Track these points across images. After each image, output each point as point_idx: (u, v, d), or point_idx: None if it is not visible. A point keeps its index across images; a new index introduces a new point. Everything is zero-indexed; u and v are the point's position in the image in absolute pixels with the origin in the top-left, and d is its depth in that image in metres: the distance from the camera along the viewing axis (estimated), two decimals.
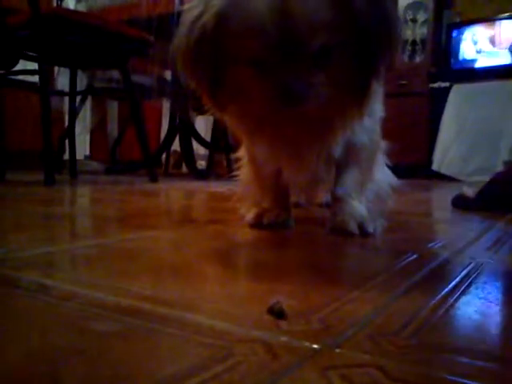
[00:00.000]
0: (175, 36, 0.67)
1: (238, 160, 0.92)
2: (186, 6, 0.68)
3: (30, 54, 1.89)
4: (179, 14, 2.38)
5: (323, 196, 1.08)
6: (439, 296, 0.43)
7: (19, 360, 0.29)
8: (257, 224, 0.83)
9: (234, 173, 0.93)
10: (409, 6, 3.75)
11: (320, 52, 0.60)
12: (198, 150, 3.16)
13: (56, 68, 2.76)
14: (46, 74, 1.81)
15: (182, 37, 0.64)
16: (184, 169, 3.21)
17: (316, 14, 0.58)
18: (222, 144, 3.06)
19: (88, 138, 3.63)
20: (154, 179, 2.13)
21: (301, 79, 0.60)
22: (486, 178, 1.62)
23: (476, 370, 0.29)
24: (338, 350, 0.31)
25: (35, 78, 1.90)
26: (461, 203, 1.25)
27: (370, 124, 0.77)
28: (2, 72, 1.92)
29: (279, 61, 0.59)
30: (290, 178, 0.80)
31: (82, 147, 3.43)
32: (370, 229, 0.76)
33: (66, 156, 2.45)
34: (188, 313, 0.37)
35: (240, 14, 0.59)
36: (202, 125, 3.33)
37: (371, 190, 0.83)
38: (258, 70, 0.61)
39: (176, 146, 3.09)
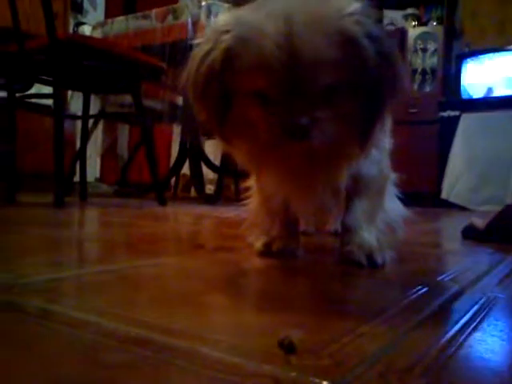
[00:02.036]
0: (185, 70, 0.68)
1: (247, 189, 0.92)
2: (196, 41, 0.70)
3: (45, 78, 1.93)
4: (192, 41, 2.40)
5: (332, 224, 1.08)
6: (450, 333, 0.43)
7: None
8: (265, 252, 0.82)
9: (244, 201, 0.93)
10: (419, 36, 3.80)
11: (326, 89, 0.61)
12: (208, 174, 3.18)
13: (69, 92, 2.80)
14: (60, 98, 1.84)
15: (192, 71, 0.66)
16: (193, 193, 3.22)
17: (323, 54, 0.59)
18: (230, 169, 3.07)
19: (99, 160, 3.66)
20: (162, 203, 2.14)
21: (305, 114, 0.60)
22: (496, 208, 1.61)
23: None
24: None
25: (49, 101, 1.94)
26: (471, 234, 1.24)
27: (377, 156, 0.78)
28: (17, 94, 1.95)
29: (285, 97, 0.60)
30: (297, 208, 0.80)
31: (93, 170, 3.46)
32: (379, 260, 0.76)
33: (77, 178, 2.47)
34: (197, 344, 0.37)
35: (248, 51, 0.60)
36: (212, 149, 3.35)
37: (381, 220, 0.83)
38: (265, 105, 0.62)
39: (185, 169, 3.11)
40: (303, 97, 0.60)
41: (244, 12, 0.63)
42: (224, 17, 0.65)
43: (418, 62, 3.80)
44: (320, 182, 0.72)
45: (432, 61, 3.79)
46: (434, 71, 3.78)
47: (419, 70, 3.80)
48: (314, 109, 0.60)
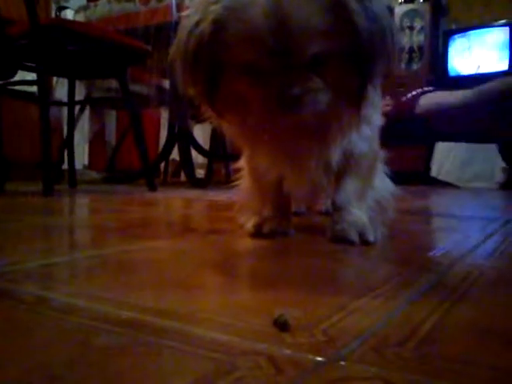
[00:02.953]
0: (173, 43, 0.67)
1: (238, 170, 0.92)
2: (183, 13, 0.69)
3: (29, 64, 1.89)
4: (176, 23, 2.38)
5: (323, 204, 1.08)
6: (443, 306, 0.43)
7: (20, 375, 0.29)
8: (257, 233, 0.82)
9: (234, 182, 0.93)
10: (405, 14, 3.78)
11: (316, 59, 0.60)
12: (197, 158, 3.17)
13: (54, 78, 2.76)
14: (45, 85, 1.81)
15: (180, 44, 0.65)
16: (183, 177, 3.21)
17: (312, 22, 0.58)
18: (220, 152, 3.06)
19: (87, 147, 3.63)
20: (152, 188, 2.13)
21: (297, 85, 0.60)
22: (485, 185, 1.63)
23: (482, 381, 0.29)
24: (342, 363, 0.31)
25: (33, 89, 1.90)
26: None
27: (368, 132, 0.77)
28: (0, 82, 1.92)
29: (275, 68, 0.60)
30: (290, 186, 0.80)
31: (81, 157, 3.43)
32: (371, 237, 0.76)
33: (65, 166, 2.44)
34: (190, 325, 0.37)
35: (236, 21, 0.59)
36: (200, 133, 3.34)
37: (371, 198, 0.83)
38: (255, 77, 0.62)
39: (175, 154, 3.09)
40: (294, 67, 0.59)
41: None
42: None
43: (405, 40, 3.78)
44: (313, 155, 0.72)
45: (419, 38, 3.77)
46: (421, 49, 3.77)
47: (406, 49, 3.79)
48: (306, 79, 0.60)
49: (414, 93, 1.15)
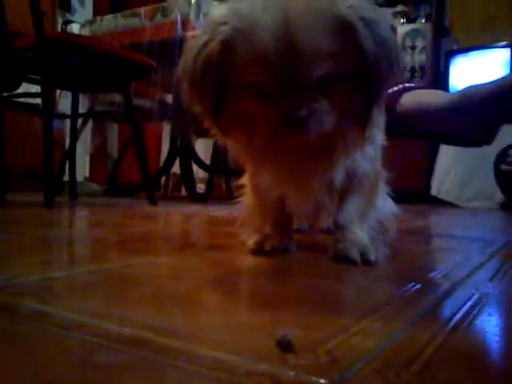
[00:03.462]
0: (181, 61, 0.68)
1: (240, 186, 0.92)
2: (190, 33, 0.69)
3: (33, 76, 1.91)
4: (181, 39, 2.40)
5: (324, 221, 1.08)
6: (445, 329, 0.43)
7: None
8: (258, 250, 0.82)
9: (237, 199, 0.93)
10: (407, 34, 3.81)
11: (323, 80, 0.61)
12: (198, 173, 3.17)
13: (58, 91, 2.78)
14: (49, 97, 1.82)
15: (188, 63, 0.65)
16: (183, 192, 3.21)
17: (319, 44, 0.59)
18: (221, 167, 3.07)
19: (88, 159, 3.64)
20: (153, 202, 2.13)
21: (303, 106, 0.60)
22: (485, 204, 1.63)
23: None
24: None
25: (37, 101, 1.92)
26: None
27: (371, 152, 0.78)
28: (5, 94, 1.93)
29: (282, 89, 0.60)
30: (293, 204, 0.80)
31: (82, 169, 3.44)
32: (372, 257, 0.76)
33: (66, 177, 2.45)
34: (192, 344, 0.37)
35: (245, 42, 0.60)
36: (202, 148, 3.35)
37: (373, 217, 0.83)
38: (262, 97, 0.62)
39: (175, 168, 3.10)
40: (301, 88, 0.60)
41: (241, 4, 0.63)
42: (221, 9, 0.64)
43: (406, 59, 3.81)
44: (317, 175, 0.72)
45: (421, 58, 3.80)
46: (422, 68, 3.80)
47: (408, 68, 3.81)
48: (312, 100, 0.61)
49: (395, 88, 1.15)
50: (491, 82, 1.13)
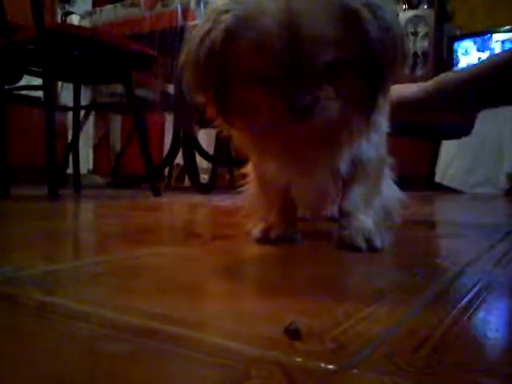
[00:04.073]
0: (183, 51, 0.67)
1: (244, 175, 0.91)
2: (191, 23, 0.69)
3: (35, 69, 1.90)
4: (182, 29, 2.39)
5: (329, 209, 1.07)
6: (453, 313, 0.43)
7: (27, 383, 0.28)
8: (263, 239, 0.82)
9: (240, 188, 0.93)
10: (409, 20, 3.78)
11: (327, 67, 0.60)
12: (201, 163, 3.17)
13: (59, 83, 2.77)
14: (50, 90, 1.82)
15: (190, 52, 0.65)
16: (187, 182, 3.21)
17: (323, 30, 0.58)
18: (224, 157, 3.06)
19: (91, 152, 3.64)
20: (157, 193, 2.13)
21: (307, 94, 0.60)
22: (489, 191, 1.62)
23: None
24: (354, 371, 0.30)
25: (39, 93, 1.91)
26: None
27: (376, 138, 0.77)
28: (6, 87, 1.92)
29: (286, 77, 0.60)
30: (297, 193, 0.80)
31: (85, 161, 3.44)
32: (378, 244, 0.76)
33: (70, 170, 2.45)
34: (199, 332, 0.37)
35: (248, 30, 0.59)
36: (205, 138, 3.34)
37: (379, 204, 0.83)
38: (266, 85, 0.62)
39: (179, 159, 3.09)
40: (305, 76, 0.59)
41: None
42: None
43: (409, 45, 3.78)
44: (321, 164, 0.72)
45: (423, 44, 3.78)
46: (425, 55, 3.77)
47: (410, 54, 3.79)
48: (317, 88, 0.60)
49: None
50: (464, 69, 1.12)
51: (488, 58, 1.06)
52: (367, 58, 0.61)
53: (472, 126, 1.21)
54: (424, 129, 1.19)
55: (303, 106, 0.60)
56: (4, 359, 0.32)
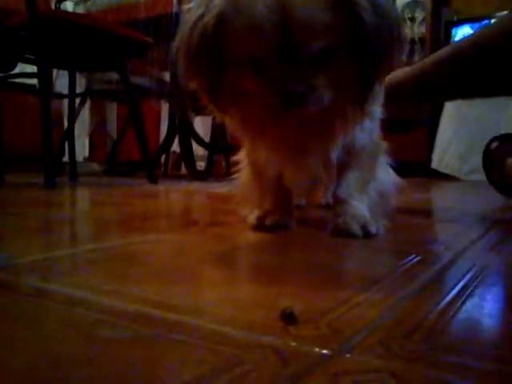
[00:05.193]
0: (176, 36, 0.67)
1: (237, 162, 0.91)
2: (186, 7, 0.68)
3: (29, 56, 1.89)
4: (177, 15, 2.37)
5: (323, 197, 1.08)
6: (447, 299, 0.43)
7: (24, 369, 0.29)
8: (259, 226, 0.82)
9: (234, 175, 0.93)
10: (406, 5, 3.76)
11: (321, 54, 0.60)
12: (197, 150, 3.16)
13: (54, 70, 2.75)
14: (45, 77, 1.80)
15: (183, 37, 0.64)
16: (183, 170, 3.20)
17: (317, 16, 0.58)
18: (221, 144, 3.06)
19: (87, 140, 3.63)
20: (153, 181, 2.13)
21: (301, 81, 0.59)
22: (484, 177, 1.62)
23: (489, 374, 0.29)
24: (348, 356, 0.31)
25: (34, 81, 1.90)
26: None
27: (369, 125, 0.77)
28: (1, 75, 1.91)
29: (279, 63, 0.59)
30: (291, 180, 0.80)
31: (81, 149, 3.43)
32: (373, 229, 0.76)
33: (66, 158, 2.44)
34: (195, 318, 0.37)
35: (240, 15, 0.59)
36: (201, 125, 3.33)
37: (374, 189, 0.83)
38: (258, 72, 0.61)
39: (175, 146, 3.09)
40: (298, 62, 0.59)
41: None
42: None
43: (406, 31, 3.76)
44: (315, 152, 0.72)
45: (420, 30, 3.76)
46: (422, 40, 3.75)
47: (408, 40, 3.77)
48: (310, 75, 0.60)
49: None
50: (416, 64, 1.10)
51: (436, 53, 1.04)
52: (363, 46, 0.60)
53: (418, 123, 1.20)
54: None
55: (297, 95, 0.59)
56: (1, 342, 0.33)
